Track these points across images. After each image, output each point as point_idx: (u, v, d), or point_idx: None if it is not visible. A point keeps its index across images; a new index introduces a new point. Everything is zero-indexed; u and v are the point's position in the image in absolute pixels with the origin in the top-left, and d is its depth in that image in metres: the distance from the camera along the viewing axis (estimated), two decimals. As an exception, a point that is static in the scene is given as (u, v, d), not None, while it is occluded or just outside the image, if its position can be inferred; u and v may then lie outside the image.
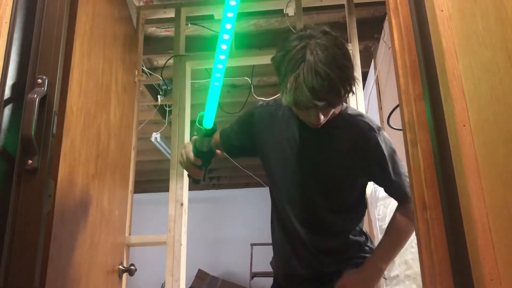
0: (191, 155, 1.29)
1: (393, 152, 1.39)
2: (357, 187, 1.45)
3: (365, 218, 2.17)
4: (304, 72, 1.17)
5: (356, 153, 1.38)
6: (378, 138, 1.37)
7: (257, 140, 1.52)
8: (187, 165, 1.32)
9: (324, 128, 1.34)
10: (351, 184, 1.43)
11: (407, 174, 1.31)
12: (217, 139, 1.55)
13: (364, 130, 1.38)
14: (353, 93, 1.29)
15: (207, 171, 1.36)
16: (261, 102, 1.57)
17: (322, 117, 1.27)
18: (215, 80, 1.21)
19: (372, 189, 2.21)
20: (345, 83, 1.23)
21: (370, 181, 1.52)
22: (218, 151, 1.31)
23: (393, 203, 2.09)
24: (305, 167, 1.41)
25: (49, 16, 1.27)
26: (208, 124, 1.23)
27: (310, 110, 1.25)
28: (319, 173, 1.41)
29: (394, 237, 1.41)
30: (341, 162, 1.39)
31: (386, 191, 1.47)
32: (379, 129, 1.40)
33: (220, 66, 1.20)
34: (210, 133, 1.24)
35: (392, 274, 1.98)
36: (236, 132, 1.59)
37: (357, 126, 1.39)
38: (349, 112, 1.43)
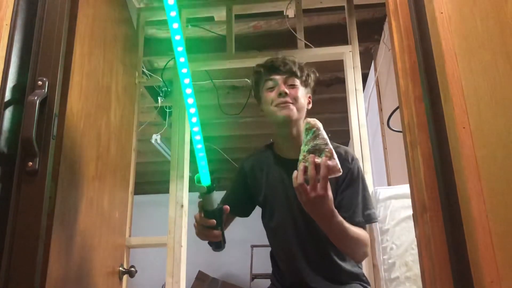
0: (203, 218, 1.29)
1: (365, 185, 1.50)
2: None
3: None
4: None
5: (337, 181, 1.44)
6: (359, 165, 1.50)
7: (253, 188, 1.59)
8: (203, 230, 1.31)
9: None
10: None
11: (371, 206, 1.45)
12: None
13: (343, 157, 1.46)
14: (310, 84, 1.57)
15: (223, 232, 1.35)
16: (245, 156, 1.68)
17: (285, 87, 1.47)
18: (197, 142, 1.30)
19: (372, 191, 2.21)
20: (306, 67, 1.55)
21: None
22: (225, 206, 1.31)
23: (393, 205, 2.09)
24: (295, 205, 1.45)
25: (49, 18, 1.27)
26: (206, 181, 1.25)
27: (275, 81, 1.49)
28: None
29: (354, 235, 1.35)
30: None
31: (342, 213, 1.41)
32: (354, 157, 1.51)
33: (196, 129, 1.31)
34: (211, 189, 1.26)
35: (393, 276, 1.98)
36: (234, 193, 1.63)
37: (338, 153, 1.42)
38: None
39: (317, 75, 1.60)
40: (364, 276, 1.55)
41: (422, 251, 1.04)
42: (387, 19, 1.37)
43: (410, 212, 1.21)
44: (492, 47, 0.80)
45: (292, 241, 1.48)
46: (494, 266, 0.80)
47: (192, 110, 1.28)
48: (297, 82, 1.51)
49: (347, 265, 1.49)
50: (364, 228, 1.42)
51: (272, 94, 1.49)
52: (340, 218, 1.28)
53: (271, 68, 1.53)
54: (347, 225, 1.30)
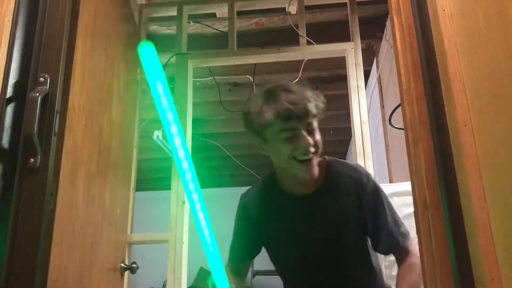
0: None
1: (388, 200, 1.40)
2: (365, 236, 1.41)
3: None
4: (277, 92, 1.27)
5: (351, 205, 1.35)
6: (374, 182, 1.39)
7: (258, 228, 1.46)
8: None
9: (317, 195, 1.36)
10: (362, 236, 1.40)
11: (403, 227, 1.35)
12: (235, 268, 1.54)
13: (359, 181, 1.37)
14: (320, 115, 1.31)
15: None
16: (242, 194, 1.53)
17: (309, 138, 1.26)
18: (208, 246, 1.20)
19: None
20: (316, 99, 1.30)
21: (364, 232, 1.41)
22: None
23: (394, 202, 2.08)
24: (313, 237, 1.37)
25: (51, 14, 1.27)
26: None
27: (295, 130, 1.26)
28: (328, 238, 1.37)
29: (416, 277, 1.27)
30: (346, 218, 1.35)
31: (380, 245, 1.38)
32: (369, 175, 1.41)
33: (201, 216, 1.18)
34: None
35: (394, 273, 1.98)
36: (242, 241, 1.52)
37: (351, 177, 1.38)
38: (335, 164, 1.42)
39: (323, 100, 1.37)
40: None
41: (423, 248, 1.04)
42: (389, 16, 1.36)
43: (411, 209, 1.21)
44: (495, 45, 0.80)
45: (308, 278, 1.40)
46: (495, 264, 0.80)
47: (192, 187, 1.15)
48: (315, 123, 1.30)
49: None
50: (407, 244, 1.34)
51: (291, 146, 1.27)
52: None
53: (289, 118, 1.25)
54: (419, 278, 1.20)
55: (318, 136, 1.29)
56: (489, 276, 0.80)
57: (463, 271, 0.89)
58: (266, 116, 1.26)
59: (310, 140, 1.26)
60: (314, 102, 1.28)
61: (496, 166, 0.80)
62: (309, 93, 1.29)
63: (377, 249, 1.40)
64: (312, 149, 1.27)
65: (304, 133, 1.26)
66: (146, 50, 0.94)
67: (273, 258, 1.48)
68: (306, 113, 1.25)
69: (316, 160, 1.29)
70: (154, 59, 0.93)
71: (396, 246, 1.34)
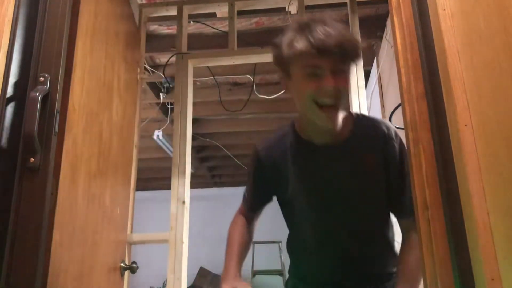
0: None
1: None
2: (387, 196, 1.30)
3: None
4: (313, 23, 1.14)
5: (376, 157, 1.26)
6: (402, 141, 1.28)
7: (275, 181, 1.37)
8: None
9: (341, 147, 1.27)
10: (384, 195, 1.29)
11: None
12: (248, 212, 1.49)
13: (382, 134, 1.28)
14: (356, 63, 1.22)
15: None
16: (256, 146, 1.42)
17: (336, 79, 1.13)
18: None
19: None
20: (354, 40, 1.17)
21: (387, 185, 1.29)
22: None
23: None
24: (336, 192, 1.28)
25: (51, 14, 1.27)
26: None
27: (321, 68, 1.12)
28: (352, 194, 1.28)
29: (419, 272, 1.18)
30: (370, 176, 1.27)
31: (395, 207, 1.30)
32: (397, 132, 1.31)
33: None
34: None
35: (394, 273, 1.98)
36: (257, 189, 1.45)
37: (375, 130, 1.29)
38: (363, 118, 1.35)
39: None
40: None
41: (423, 248, 1.04)
42: (389, 16, 1.36)
43: (411, 209, 1.21)
44: (495, 44, 0.79)
45: (327, 233, 1.30)
46: (495, 264, 0.80)
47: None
48: (347, 66, 1.17)
49: (390, 265, 1.35)
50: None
51: (314, 86, 1.14)
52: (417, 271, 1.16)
53: (319, 49, 1.11)
54: (416, 263, 1.17)
55: (346, 83, 1.16)
56: (489, 276, 0.80)
57: (463, 271, 0.89)
58: (296, 45, 1.14)
59: (336, 82, 1.13)
60: (351, 42, 1.15)
61: (497, 166, 0.80)
62: (347, 32, 1.17)
63: (397, 209, 1.29)
64: (337, 94, 1.14)
65: (329, 73, 1.13)
66: None
67: (284, 206, 1.41)
68: (339, 48, 1.11)
69: (340, 110, 1.16)
70: None
71: (407, 211, 1.22)
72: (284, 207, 1.42)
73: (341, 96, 1.16)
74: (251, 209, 1.50)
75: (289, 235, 1.46)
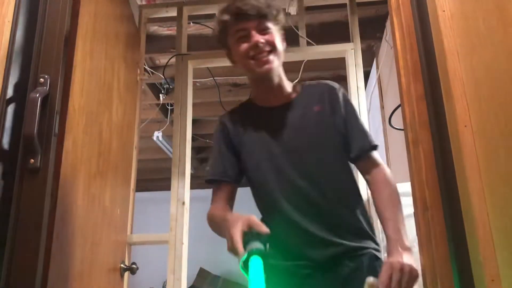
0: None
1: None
2: (341, 141, 1.38)
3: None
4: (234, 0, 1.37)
5: (326, 109, 1.38)
6: (343, 91, 1.43)
7: (239, 146, 1.42)
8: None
9: (291, 105, 1.39)
10: (338, 140, 1.37)
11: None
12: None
13: (326, 87, 1.41)
14: (281, 21, 1.39)
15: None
16: (220, 117, 1.50)
17: (260, 38, 1.31)
18: None
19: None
20: (267, 3, 1.36)
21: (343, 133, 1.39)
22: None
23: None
24: (294, 143, 1.35)
25: (51, 15, 1.27)
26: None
27: (246, 30, 1.32)
28: (309, 149, 1.35)
29: (393, 195, 1.28)
30: (320, 122, 1.37)
31: (355, 148, 1.35)
32: (341, 87, 1.44)
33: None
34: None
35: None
36: (223, 156, 1.43)
37: (320, 86, 1.43)
38: (310, 82, 1.48)
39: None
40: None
41: (423, 249, 1.04)
42: (389, 17, 1.36)
43: (411, 210, 1.21)
44: (494, 46, 0.80)
45: (297, 192, 1.31)
46: (494, 264, 0.80)
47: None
48: (270, 24, 1.35)
49: (358, 223, 1.33)
50: (377, 156, 1.36)
51: (245, 46, 1.33)
52: (402, 236, 1.14)
53: (239, 15, 1.34)
54: (401, 215, 1.21)
55: (275, 38, 1.34)
56: (489, 277, 0.80)
57: (463, 271, 0.89)
58: (221, 18, 1.37)
59: (260, 37, 1.31)
60: (267, 4, 1.35)
61: (496, 167, 0.80)
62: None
63: (351, 151, 1.36)
64: (266, 47, 1.32)
65: (254, 31, 1.32)
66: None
67: (250, 175, 1.41)
68: (254, 10, 1.32)
69: (275, 60, 1.33)
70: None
71: (369, 147, 1.33)
72: (253, 179, 1.41)
73: (272, 48, 1.33)
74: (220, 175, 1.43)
75: (262, 214, 1.42)
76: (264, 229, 1.04)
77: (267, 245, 1.03)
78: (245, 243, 1.02)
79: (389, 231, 1.17)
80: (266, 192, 1.37)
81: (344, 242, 1.27)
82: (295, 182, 1.31)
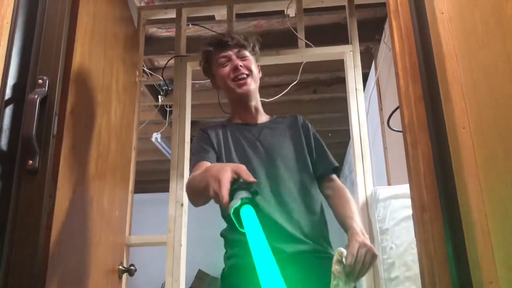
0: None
1: None
2: (309, 161, 1.55)
3: (365, 219, 2.18)
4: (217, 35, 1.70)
5: (297, 134, 1.58)
6: (309, 123, 1.63)
7: (219, 152, 1.51)
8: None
9: (266, 125, 1.59)
10: (306, 159, 1.54)
11: None
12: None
13: (297, 118, 1.64)
14: (257, 52, 1.63)
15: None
16: (200, 128, 1.62)
17: (239, 62, 1.52)
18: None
19: (372, 190, 2.21)
20: (248, 37, 1.60)
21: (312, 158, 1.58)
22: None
23: (393, 205, 2.09)
24: (270, 161, 1.48)
25: (50, 16, 1.27)
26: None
27: (227, 57, 1.54)
28: (283, 161, 1.49)
29: (351, 201, 1.46)
30: (292, 145, 1.54)
31: (321, 168, 1.54)
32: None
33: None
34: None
35: (392, 275, 1.99)
36: (208, 151, 1.50)
37: (290, 117, 1.65)
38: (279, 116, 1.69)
39: (261, 40, 1.68)
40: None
41: (422, 251, 1.04)
42: (387, 19, 1.37)
43: (409, 212, 1.21)
44: (493, 48, 0.80)
45: (273, 196, 1.42)
46: (493, 267, 0.80)
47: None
48: (247, 53, 1.57)
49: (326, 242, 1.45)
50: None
51: (227, 69, 1.53)
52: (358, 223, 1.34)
53: (220, 44, 1.56)
54: (354, 210, 1.40)
55: (251, 65, 1.55)
56: (487, 279, 0.80)
57: (461, 273, 0.89)
58: (205, 49, 1.60)
59: (240, 62, 1.53)
60: (245, 37, 1.58)
61: (494, 169, 0.80)
62: (241, 33, 1.61)
63: (317, 171, 1.54)
64: (245, 71, 1.52)
65: (234, 57, 1.54)
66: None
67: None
68: (233, 40, 1.55)
69: (252, 83, 1.54)
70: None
71: (333, 166, 1.55)
72: None
73: (249, 73, 1.54)
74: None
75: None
76: (252, 178, 1.02)
77: (257, 195, 1.00)
78: (233, 191, 0.99)
79: (353, 224, 1.33)
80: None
81: (311, 242, 1.39)
82: (273, 191, 1.43)
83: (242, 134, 1.55)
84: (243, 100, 1.57)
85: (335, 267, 1.20)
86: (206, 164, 1.40)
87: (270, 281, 0.75)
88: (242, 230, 0.93)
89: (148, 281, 6.30)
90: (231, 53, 1.54)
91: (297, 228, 1.39)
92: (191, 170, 1.46)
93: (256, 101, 1.60)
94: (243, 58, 1.55)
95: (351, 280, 1.20)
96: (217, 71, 1.57)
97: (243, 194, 0.97)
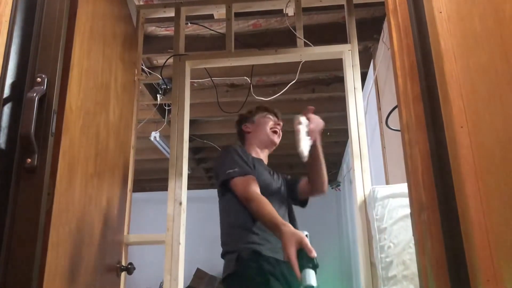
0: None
1: None
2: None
3: (363, 218, 2.18)
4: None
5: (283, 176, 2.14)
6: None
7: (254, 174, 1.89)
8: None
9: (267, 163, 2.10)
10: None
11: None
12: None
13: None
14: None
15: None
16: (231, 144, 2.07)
17: (278, 124, 2.12)
18: None
19: (370, 189, 2.21)
20: (279, 112, 2.21)
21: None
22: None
23: (391, 203, 2.09)
24: (276, 185, 1.99)
25: (49, 14, 1.27)
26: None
27: (273, 118, 2.13)
28: (281, 183, 2.05)
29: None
30: (279, 177, 2.10)
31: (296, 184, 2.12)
32: None
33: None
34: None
35: (390, 274, 1.99)
36: (253, 172, 1.86)
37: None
38: None
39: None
40: None
41: (420, 249, 1.04)
42: (386, 18, 1.37)
43: (407, 211, 1.22)
44: (491, 47, 0.80)
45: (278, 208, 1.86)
46: (490, 265, 0.80)
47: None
48: (281, 123, 2.15)
49: None
50: None
51: (271, 124, 2.10)
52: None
53: (273, 113, 2.16)
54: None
55: (281, 126, 2.14)
56: (485, 277, 0.80)
57: (459, 272, 0.89)
58: (263, 109, 2.16)
59: (279, 122, 2.13)
60: (278, 110, 2.20)
61: (492, 168, 0.80)
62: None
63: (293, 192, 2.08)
64: (279, 128, 2.10)
65: (275, 119, 2.13)
66: None
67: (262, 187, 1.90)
68: (278, 112, 2.17)
69: (279, 136, 2.11)
70: None
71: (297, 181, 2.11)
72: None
73: (280, 132, 2.12)
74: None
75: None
76: (314, 254, 1.32)
77: (317, 268, 1.31)
78: (300, 265, 1.30)
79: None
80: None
81: None
82: (280, 206, 1.92)
83: (259, 165, 1.95)
84: (270, 145, 2.09)
85: (298, 127, 1.80)
86: (253, 179, 1.79)
87: None
88: None
89: (147, 280, 6.30)
90: (273, 116, 2.14)
91: None
92: (233, 175, 1.80)
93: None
94: (279, 120, 2.14)
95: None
96: (261, 119, 2.11)
97: (312, 275, 1.29)
